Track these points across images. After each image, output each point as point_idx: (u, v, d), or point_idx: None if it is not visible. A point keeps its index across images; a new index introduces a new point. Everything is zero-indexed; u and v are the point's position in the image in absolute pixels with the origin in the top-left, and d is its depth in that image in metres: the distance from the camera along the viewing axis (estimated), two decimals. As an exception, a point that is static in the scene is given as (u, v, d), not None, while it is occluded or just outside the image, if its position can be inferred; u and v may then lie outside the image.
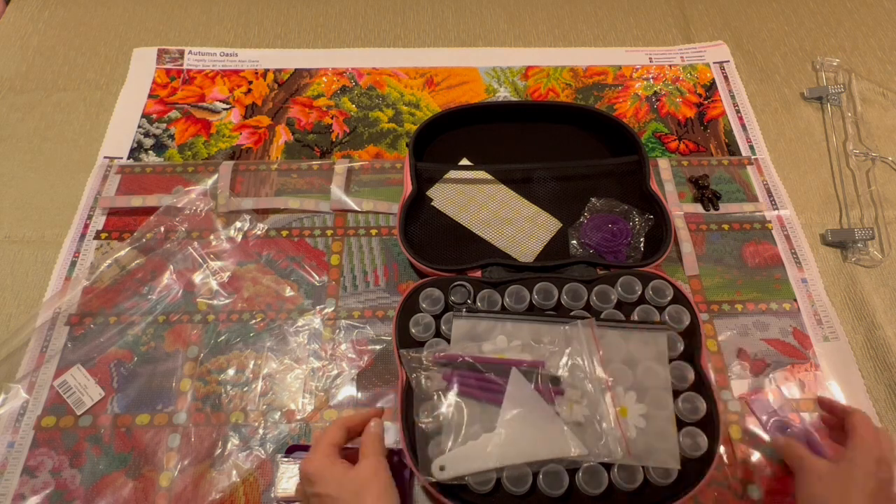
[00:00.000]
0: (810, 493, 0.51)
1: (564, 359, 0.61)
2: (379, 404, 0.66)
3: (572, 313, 0.67)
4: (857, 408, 0.59)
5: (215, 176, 0.81)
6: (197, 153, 0.86)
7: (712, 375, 0.67)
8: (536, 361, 0.61)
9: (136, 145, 0.87)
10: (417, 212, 0.77)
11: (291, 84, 0.94)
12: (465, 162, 0.83)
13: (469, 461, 0.56)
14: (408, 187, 0.76)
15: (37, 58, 0.96)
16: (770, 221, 0.80)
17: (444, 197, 0.79)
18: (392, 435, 0.64)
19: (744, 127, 0.91)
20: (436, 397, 0.59)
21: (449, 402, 0.59)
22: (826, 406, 0.62)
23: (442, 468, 0.56)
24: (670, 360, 0.64)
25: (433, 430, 0.59)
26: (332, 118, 0.90)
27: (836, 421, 0.61)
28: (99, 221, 0.79)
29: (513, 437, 0.57)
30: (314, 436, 0.62)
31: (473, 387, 0.60)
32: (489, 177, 0.81)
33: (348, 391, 0.67)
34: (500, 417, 0.58)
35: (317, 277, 0.74)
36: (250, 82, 0.94)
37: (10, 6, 1.03)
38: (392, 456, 0.58)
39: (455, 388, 0.60)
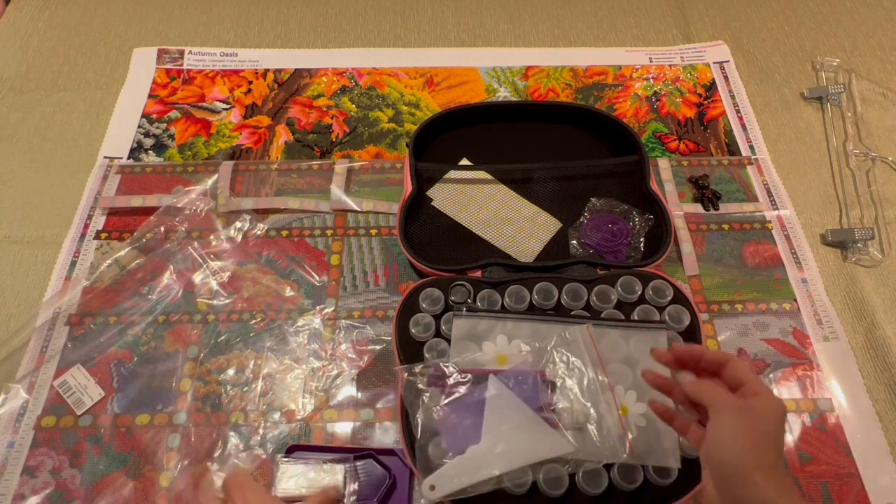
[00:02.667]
0: (728, 426, 0.46)
1: (563, 360, 0.61)
2: (379, 404, 0.66)
3: (573, 313, 0.67)
4: (729, 354, 0.52)
5: (215, 176, 0.82)
6: (197, 153, 0.86)
7: (712, 375, 0.67)
8: (533, 370, 0.60)
9: (136, 145, 0.87)
10: (417, 212, 0.77)
11: (291, 84, 0.94)
12: (465, 162, 0.83)
13: (459, 476, 0.55)
14: (408, 187, 0.76)
15: (37, 58, 0.96)
16: (770, 221, 0.80)
17: (444, 197, 0.79)
18: (392, 435, 0.64)
19: (744, 127, 0.91)
20: (434, 410, 0.59)
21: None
22: (685, 354, 0.53)
23: (432, 487, 0.55)
24: (670, 360, 0.64)
25: (433, 431, 0.59)
26: (332, 118, 0.90)
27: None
28: (99, 221, 0.79)
29: (501, 445, 0.56)
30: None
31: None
32: (489, 177, 0.81)
33: (348, 391, 0.67)
34: (484, 427, 0.57)
35: (317, 277, 0.74)
36: (250, 82, 0.94)
37: (10, 6, 1.03)
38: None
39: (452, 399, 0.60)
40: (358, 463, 0.61)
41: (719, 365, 0.50)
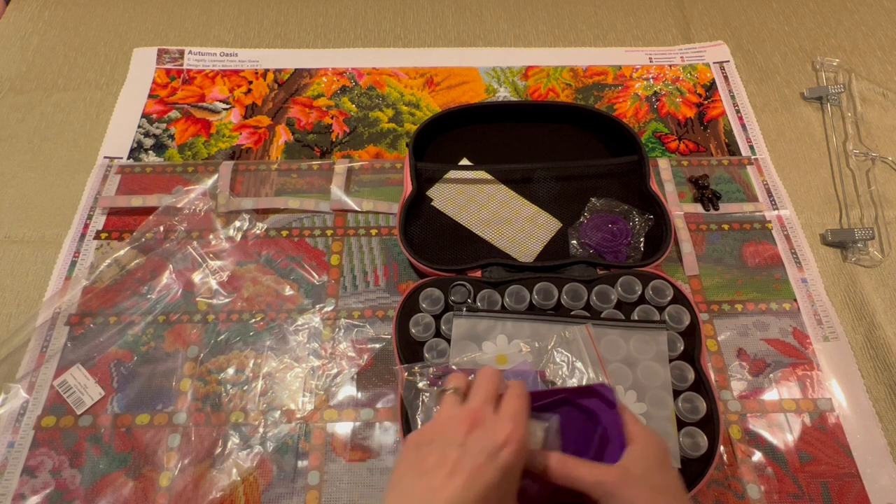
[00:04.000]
0: (641, 499, 0.44)
1: (563, 360, 0.61)
2: (379, 404, 0.66)
3: (573, 313, 0.67)
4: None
5: (215, 176, 0.82)
6: (197, 153, 0.86)
7: (712, 375, 0.67)
8: (533, 370, 0.60)
9: (136, 145, 0.87)
10: (417, 212, 0.77)
11: (291, 84, 0.94)
12: (465, 162, 0.83)
13: None
14: (408, 187, 0.76)
15: (37, 58, 0.97)
16: (770, 221, 0.80)
17: (444, 197, 0.79)
18: (392, 435, 0.64)
19: (744, 127, 0.91)
20: (434, 411, 0.59)
21: None
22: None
23: None
24: (670, 360, 0.64)
25: None
26: (332, 118, 0.90)
27: None
28: (99, 221, 0.79)
29: None
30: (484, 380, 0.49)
31: None
32: (489, 177, 0.81)
33: (348, 390, 0.67)
34: None
35: (317, 277, 0.74)
36: (250, 82, 0.94)
37: (10, 6, 1.03)
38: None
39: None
40: (556, 412, 0.50)
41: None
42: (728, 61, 0.99)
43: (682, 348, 0.65)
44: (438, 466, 0.42)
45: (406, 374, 0.61)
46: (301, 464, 0.62)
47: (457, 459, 0.42)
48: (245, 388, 0.67)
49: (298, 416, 0.65)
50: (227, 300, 0.72)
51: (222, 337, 0.70)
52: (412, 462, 0.44)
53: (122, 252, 0.75)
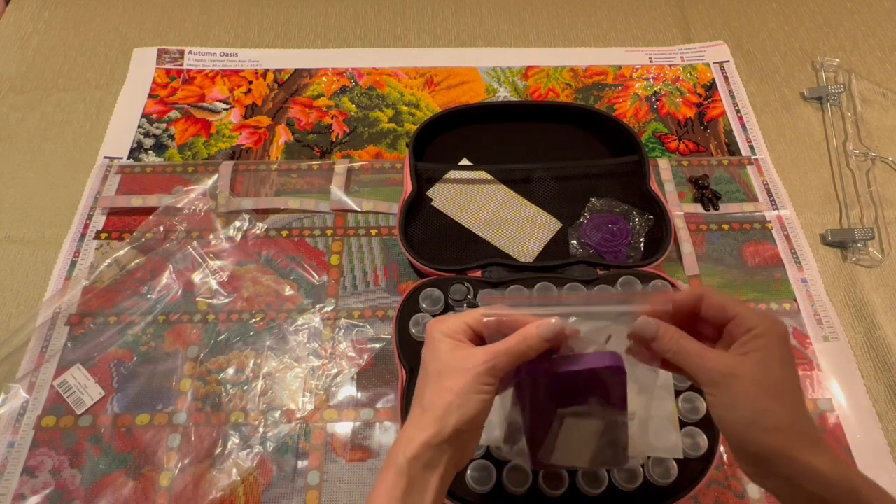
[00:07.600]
0: (748, 399, 0.40)
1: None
2: (379, 404, 0.66)
3: (572, 313, 0.67)
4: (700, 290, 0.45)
5: (215, 176, 0.82)
6: (197, 153, 0.86)
7: (712, 375, 0.67)
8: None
9: (136, 145, 0.87)
10: (417, 212, 0.77)
11: (291, 84, 0.94)
12: (465, 162, 0.83)
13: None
14: (408, 187, 0.76)
15: (37, 58, 0.96)
16: (770, 221, 0.80)
17: (444, 197, 0.79)
18: (392, 435, 0.64)
19: (744, 127, 0.91)
20: None
21: None
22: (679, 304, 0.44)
23: None
24: (670, 360, 0.64)
25: None
26: (332, 118, 0.90)
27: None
28: (99, 221, 0.79)
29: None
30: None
31: None
32: (489, 177, 0.81)
33: (348, 390, 0.67)
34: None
35: (317, 277, 0.74)
36: (250, 82, 0.94)
37: (10, 6, 1.03)
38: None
39: None
40: None
41: (694, 304, 0.44)
42: (728, 61, 0.99)
43: (682, 348, 0.65)
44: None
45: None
46: (301, 464, 0.62)
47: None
48: (245, 388, 0.67)
49: (298, 416, 0.65)
50: (227, 300, 0.72)
51: (222, 337, 0.70)
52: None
53: (122, 252, 0.75)
